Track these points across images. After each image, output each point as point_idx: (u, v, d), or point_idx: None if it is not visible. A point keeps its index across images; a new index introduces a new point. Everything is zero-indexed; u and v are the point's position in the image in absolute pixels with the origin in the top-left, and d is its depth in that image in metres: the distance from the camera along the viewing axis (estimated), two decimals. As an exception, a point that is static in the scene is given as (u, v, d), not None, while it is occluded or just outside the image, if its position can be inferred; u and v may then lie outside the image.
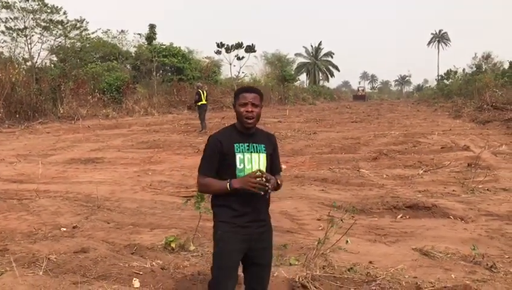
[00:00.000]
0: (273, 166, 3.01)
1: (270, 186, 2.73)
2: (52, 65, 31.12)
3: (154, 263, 4.41)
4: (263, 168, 2.85)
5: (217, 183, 2.84)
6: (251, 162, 2.86)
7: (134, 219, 6.17)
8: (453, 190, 7.90)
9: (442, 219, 6.33)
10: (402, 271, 4.29)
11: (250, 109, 2.84)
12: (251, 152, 2.88)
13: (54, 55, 32.26)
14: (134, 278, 4.10)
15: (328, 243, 4.58)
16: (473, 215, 6.34)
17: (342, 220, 4.52)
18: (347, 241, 4.53)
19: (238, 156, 2.85)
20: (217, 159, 2.86)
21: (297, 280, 3.94)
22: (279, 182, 2.91)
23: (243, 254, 2.92)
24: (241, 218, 2.86)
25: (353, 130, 18.95)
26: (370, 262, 4.59)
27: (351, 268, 4.24)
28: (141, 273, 4.19)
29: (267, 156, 2.93)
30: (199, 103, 18.78)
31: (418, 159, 10.91)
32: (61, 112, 22.24)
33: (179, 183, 8.53)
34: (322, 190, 8.13)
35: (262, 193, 2.72)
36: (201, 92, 19.05)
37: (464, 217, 6.32)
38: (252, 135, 2.93)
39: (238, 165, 2.85)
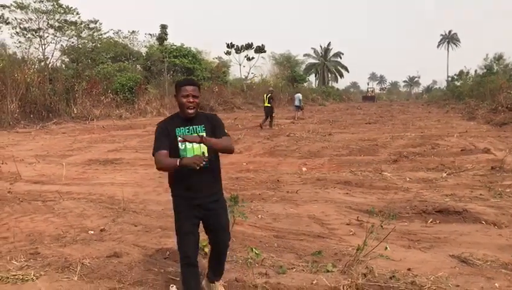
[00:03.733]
0: (218, 135, 3.42)
1: (206, 161, 3.18)
2: (64, 66, 31.22)
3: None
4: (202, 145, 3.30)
5: (169, 159, 3.27)
6: (192, 143, 3.29)
7: (162, 222, 6.10)
8: (481, 194, 7.75)
9: (474, 224, 6.18)
10: (445, 279, 4.18)
11: (191, 100, 3.34)
12: (191, 133, 3.36)
13: (65, 56, 32.40)
14: (172, 285, 4.04)
15: (366, 250, 4.48)
16: (506, 221, 6.18)
17: (381, 226, 4.40)
18: (386, 248, 4.42)
19: (180, 138, 3.30)
20: (167, 139, 3.34)
21: (341, 289, 3.83)
22: (200, 135, 3.30)
23: (198, 219, 3.46)
24: (191, 192, 3.39)
25: (368, 132, 18.78)
26: (408, 269, 4.48)
27: (393, 276, 4.13)
28: (178, 279, 4.11)
29: (207, 134, 3.36)
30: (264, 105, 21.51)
31: (440, 162, 10.75)
32: (75, 112, 22.27)
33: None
34: (347, 193, 8.01)
35: (197, 168, 3.11)
36: (264, 96, 21.92)
37: (496, 222, 6.17)
38: (191, 119, 3.41)
39: (180, 147, 3.33)
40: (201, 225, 3.59)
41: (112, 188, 8.13)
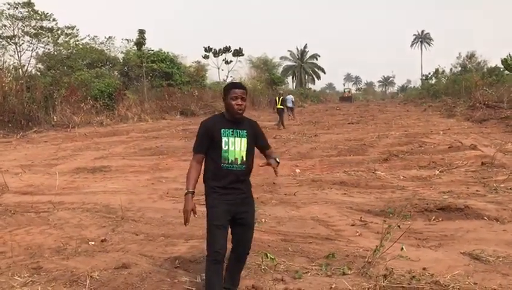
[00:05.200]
0: (261, 145, 3.76)
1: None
2: (39, 73, 30.53)
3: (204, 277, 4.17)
4: (244, 149, 3.52)
5: (188, 179, 3.54)
6: (234, 144, 3.50)
7: (164, 230, 5.94)
8: (477, 190, 7.81)
9: (477, 220, 6.20)
10: (462, 278, 4.14)
11: (240, 102, 3.49)
12: (235, 136, 3.51)
13: (41, 63, 31.72)
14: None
15: (380, 251, 4.42)
16: (507, 216, 6.22)
17: (399, 226, 4.35)
18: (402, 248, 4.38)
19: (224, 139, 3.48)
20: (207, 140, 3.51)
21: (365, 292, 3.76)
22: (278, 160, 3.71)
23: (230, 215, 3.51)
24: (225, 189, 3.51)
25: (352, 132, 18.87)
26: (424, 269, 4.43)
27: (414, 277, 4.07)
28: (194, 289, 3.98)
29: (248, 140, 3.55)
30: (276, 107, 22.48)
31: (430, 160, 10.81)
32: (55, 120, 21.76)
33: (196, 191, 8.29)
34: (344, 193, 7.98)
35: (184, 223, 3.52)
36: (276, 98, 22.95)
37: (498, 217, 6.20)
38: (237, 122, 3.56)
39: (223, 147, 3.48)
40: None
41: (106, 197, 7.91)
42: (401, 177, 9.16)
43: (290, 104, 27.21)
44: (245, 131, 3.56)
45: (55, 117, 21.98)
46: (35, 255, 5.05)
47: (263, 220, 6.22)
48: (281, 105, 22.38)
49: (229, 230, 3.62)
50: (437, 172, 9.42)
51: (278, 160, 3.68)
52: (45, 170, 10.81)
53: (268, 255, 4.41)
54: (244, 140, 3.53)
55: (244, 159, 3.53)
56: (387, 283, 3.90)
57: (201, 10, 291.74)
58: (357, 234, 5.74)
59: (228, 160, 3.49)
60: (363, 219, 6.33)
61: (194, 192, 3.52)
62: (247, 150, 3.54)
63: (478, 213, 6.39)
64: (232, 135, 3.50)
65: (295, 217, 6.46)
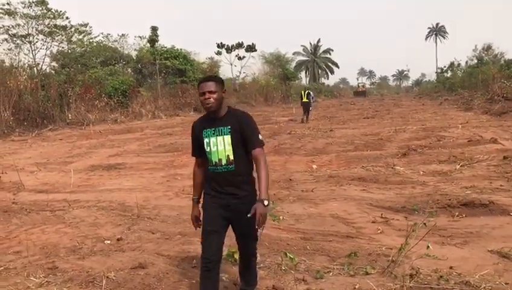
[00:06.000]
0: (246, 141, 3.23)
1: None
2: (53, 71, 30.70)
3: (223, 277, 4.05)
4: (228, 147, 3.22)
5: (193, 186, 3.55)
6: (216, 144, 3.24)
7: (180, 228, 5.83)
8: (501, 185, 7.57)
9: (503, 216, 5.98)
10: (492, 277, 3.96)
11: (207, 96, 3.19)
12: (216, 135, 3.24)
13: (54, 62, 31.87)
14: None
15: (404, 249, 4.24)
16: (534, 212, 6.01)
17: (425, 224, 4.17)
18: (428, 247, 4.20)
19: (205, 140, 3.28)
20: (197, 143, 3.37)
21: (392, 293, 3.60)
22: (265, 203, 3.08)
23: (225, 220, 3.30)
24: (216, 192, 3.29)
25: (368, 126, 18.61)
26: (451, 268, 4.25)
27: (441, 276, 3.90)
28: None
29: (231, 136, 3.22)
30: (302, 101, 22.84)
31: (449, 154, 10.55)
32: (70, 117, 21.86)
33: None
34: (364, 189, 7.80)
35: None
36: (302, 92, 23.37)
37: (525, 214, 5.99)
38: (219, 119, 3.27)
39: (206, 148, 3.28)
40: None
41: (121, 194, 7.84)
42: (421, 172, 8.94)
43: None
44: (228, 127, 3.23)
45: (69, 115, 22.09)
46: (50, 255, 4.98)
47: (281, 217, 6.06)
48: (306, 99, 22.50)
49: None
50: (458, 167, 9.17)
51: (265, 203, 3.05)
52: (60, 167, 10.80)
53: (288, 254, 4.27)
54: (228, 137, 3.22)
55: (231, 158, 3.22)
56: (414, 283, 3.73)
57: (214, 6, 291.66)
58: (379, 231, 5.56)
59: (212, 162, 3.26)
60: (384, 216, 6.15)
61: (198, 198, 3.45)
62: (232, 148, 3.22)
63: (504, 209, 6.17)
64: (214, 134, 3.25)
65: (314, 215, 6.30)
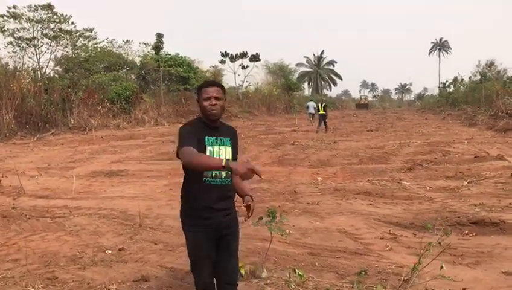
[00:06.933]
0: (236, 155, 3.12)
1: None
2: (57, 76, 30.68)
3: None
4: (229, 159, 2.94)
5: (207, 157, 2.86)
6: (219, 154, 2.97)
7: (183, 239, 5.63)
8: (510, 203, 7.41)
9: (514, 236, 5.84)
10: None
11: (213, 102, 2.95)
12: (219, 145, 3.01)
13: (58, 66, 31.84)
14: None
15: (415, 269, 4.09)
16: (546, 232, 5.86)
17: (440, 243, 4.02)
18: (442, 267, 4.05)
19: (209, 148, 2.95)
20: (195, 140, 2.88)
21: (405, 315, 3.45)
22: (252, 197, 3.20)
23: (214, 240, 3.02)
24: (207, 209, 2.96)
25: (372, 139, 18.49)
26: (464, 289, 4.12)
27: (456, 299, 3.75)
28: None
29: (232, 149, 3.07)
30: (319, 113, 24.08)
31: (456, 170, 10.43)
32: (72, 122, 21.78)
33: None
34: (370, 204, 7.65)
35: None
36: (318, 105, 24.62)
37: (537, 234, 5.84)
38: (218, 129, 3.06)
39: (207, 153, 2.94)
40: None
41: (123, 202, 7.71)
42: (428, 188, 8.79)
43: (312, 111, 27.58)
44: (228, 138, 3.07)
45: (72, 120, 22.02)
46: (50, 264, 4.84)
47: (287, 231, 5.91)
48: (323, 111, 23.45)
49: None
50: (465, 183, 9.02)
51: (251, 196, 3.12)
52: (62, 173, 10.68)
53: (297, 271, 4.12)
54: (229, 149, 3.04)
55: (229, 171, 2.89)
56: (429, 305, 3.58)
57: (218, 15, 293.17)
58: (387, 248, 5.41)
59: (211, 173, 2.94)
60: (392, 232, 6.01)
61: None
62: (232, 159, 3.00)
63: (515, 228, 6.03)
64: (216, 142, 3.00)
65: (320, 229, 6.15)
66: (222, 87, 3.08)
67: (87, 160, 12.81)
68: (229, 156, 3.01)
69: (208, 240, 3.00)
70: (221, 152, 2.99)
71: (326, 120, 23.70)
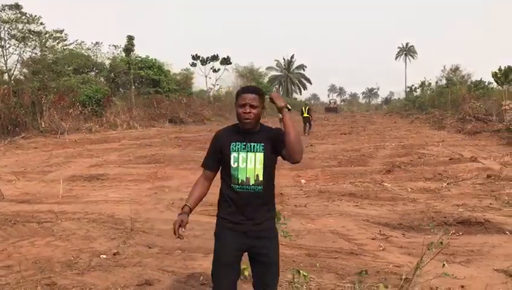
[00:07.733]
0: (282, 147, 2.85)
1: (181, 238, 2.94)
2: (23, 78, 29.85)
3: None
4: (259, 165, 2.85)
5: (189, 194, 3.04)
6: (246, 161, 2.86)
7: (179, 243, 5.57)
8: (490, 203, 7.68)
9: (499, 235, 6.05)
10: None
11: (248, 110, 2.83)
12: (247, 151, 2.87)
13: (25, 68, 31.00)
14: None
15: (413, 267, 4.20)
16: (529, 231, 6.09)
17: (441, 242, 4.13)
18: (444, 265, 4.17)
19: (233, 155, 2.87)
20: (216, 155, 2.94)
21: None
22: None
23: (241, 250, 2.93)
24: (233, 215, 2.89)
25: (347, 142, 18.77)
26: (462, 286, 4.25)
27: (459, 296, 3.86)
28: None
29: (264, 155, 2.88)
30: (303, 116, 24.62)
31: (434, 171, 10.72)
32: (43, 125, 21.21)
33: (203, 201, 8.02)
34: (356, 205, 7.78)
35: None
36: (302, 108, 25.15)
37: (520, 232, 6.06)
38: (251, 134, 2.90)
39: (232, 164, 2.87)
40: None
41: (109, 206, 7.59)
42: (409, 189, 9.00)
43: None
44: (262, 144, 2.87)
45: (43, 123, 21.43)
46: (45, 270, 4.73)
47: (281, 233, 5.95)
48: (307, 114, 24.30)
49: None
50: (445, 184, 9.29)
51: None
52: (40, 177, 10.42)
53: (301, 272, 4.16)
54: (260, 155, 2.86)
55: (261, 178, 2.84)
56: (435, 303, 3.68)
57: (188, 18, 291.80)
58: (381, 248, 5.52)
59: (238, 180, 2.85)
60: (383, 233, 6.14)
61: (190, 208, 2.95)
62: (263, 168, 2.85)
63: (499, 227, 6.26)
64: (244, 149, 2.86)
65: (313, 230, 6.22)
66: (260, 94, 2.90)
67: (64, 164, 12.52)
68: (260, 162, 2.85)
69: (232, 249, 2.89)
70: (249, 158, 2.86)
71: (312, 122, 24.65)
